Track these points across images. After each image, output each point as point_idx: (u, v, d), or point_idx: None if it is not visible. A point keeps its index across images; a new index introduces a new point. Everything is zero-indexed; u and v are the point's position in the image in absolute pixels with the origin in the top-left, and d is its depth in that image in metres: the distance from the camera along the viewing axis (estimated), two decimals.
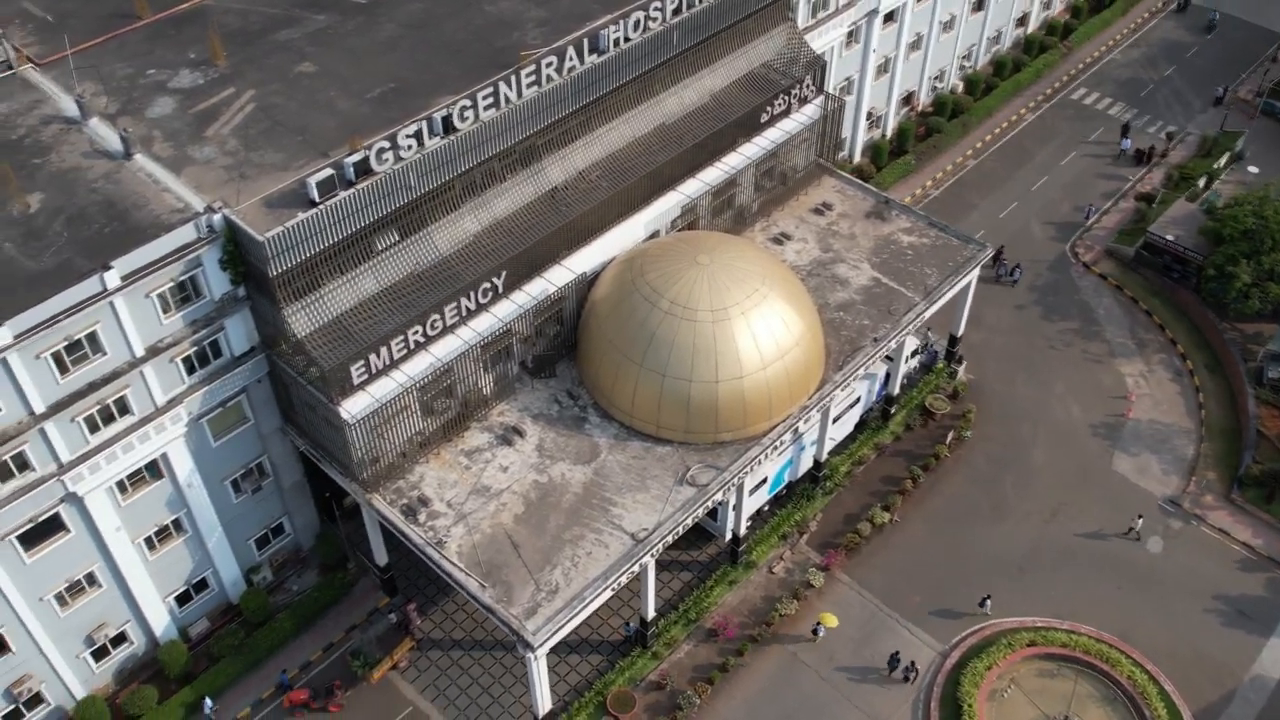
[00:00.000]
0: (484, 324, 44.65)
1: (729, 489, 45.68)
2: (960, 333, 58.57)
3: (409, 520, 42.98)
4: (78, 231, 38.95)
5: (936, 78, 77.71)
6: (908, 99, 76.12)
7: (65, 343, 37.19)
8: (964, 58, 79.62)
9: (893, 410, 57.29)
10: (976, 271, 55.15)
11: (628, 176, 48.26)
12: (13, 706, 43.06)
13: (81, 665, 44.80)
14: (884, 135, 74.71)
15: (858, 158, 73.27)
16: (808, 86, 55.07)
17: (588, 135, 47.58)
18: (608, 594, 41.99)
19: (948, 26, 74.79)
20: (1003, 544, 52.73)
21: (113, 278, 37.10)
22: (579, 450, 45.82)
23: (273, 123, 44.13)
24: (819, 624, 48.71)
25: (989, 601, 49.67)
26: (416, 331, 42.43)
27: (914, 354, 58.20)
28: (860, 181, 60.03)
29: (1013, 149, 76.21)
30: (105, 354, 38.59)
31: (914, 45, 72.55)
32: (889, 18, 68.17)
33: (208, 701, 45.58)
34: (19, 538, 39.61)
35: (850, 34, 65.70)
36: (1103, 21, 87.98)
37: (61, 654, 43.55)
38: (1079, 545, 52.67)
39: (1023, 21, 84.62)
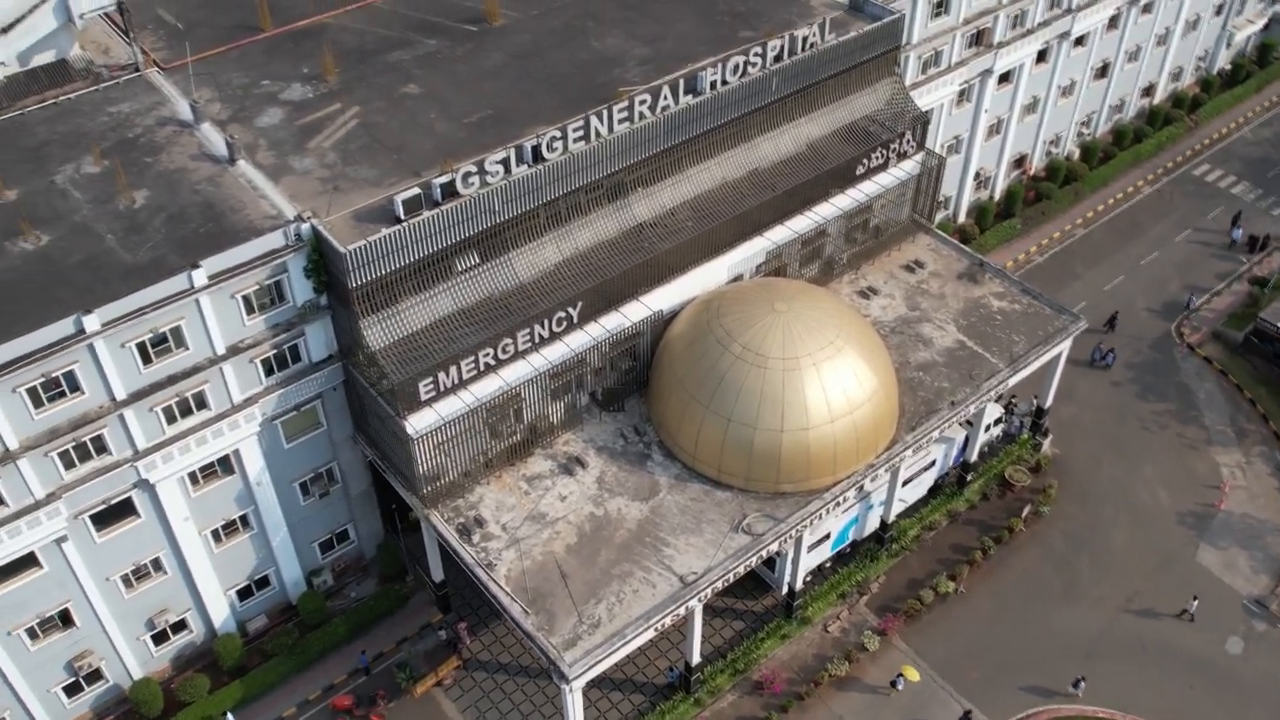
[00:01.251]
0: (556, 353, 45.01)
1: (785, 541, 45.06)
2: (1048, 405, 56.91)
3: (463, 539, 43.41)
4: (175, 230, 40.59)
5: (1052, 142, 76.12)
6: (1019, 162, 74.69)
7: (150, 335, 38.71)
8: (1083, 124, 77.87)
9: (969, 478, 55.87)
10: (1068, 344, 53.58)
11: (715, 218, 48.29)
12: (73, 679, 44.62)
13: (141, 647, 46.23)
14: (991, 197, 73.36)
15: (962, 217, 72.08)
16: (908, 142, 54.47)
17: (678, 174, 47.80)
18: (650, 634, 41.69)
19: (1067, 91, 73.28)
20: (1071, 627, 50.80)
21: (200, 276, 38.54)
22: (638, 487, 45.75)
23: (372, 140, 45.44)
24: (900, 675, 47.74)
25: (1083, 684, 47.79)
26: (487, 354, 43.01)
27: (996, 422, 56.74)
28: (955, 241, 58.99)
29: (1125, 221, 74.04)
30: (188, 349, 40.03)
31: (1029, 108, 71.23)
32: (1004, 79, 67.13)
33: (229, 716, 46.50)
34: (92, 518, 41.20)
35: (962, 92, 64.88)
36: (1234, 98, 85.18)
37: (123, 634, 45.03)
38: (1152, 637, 50.45)
39: (1149, 92, 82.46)
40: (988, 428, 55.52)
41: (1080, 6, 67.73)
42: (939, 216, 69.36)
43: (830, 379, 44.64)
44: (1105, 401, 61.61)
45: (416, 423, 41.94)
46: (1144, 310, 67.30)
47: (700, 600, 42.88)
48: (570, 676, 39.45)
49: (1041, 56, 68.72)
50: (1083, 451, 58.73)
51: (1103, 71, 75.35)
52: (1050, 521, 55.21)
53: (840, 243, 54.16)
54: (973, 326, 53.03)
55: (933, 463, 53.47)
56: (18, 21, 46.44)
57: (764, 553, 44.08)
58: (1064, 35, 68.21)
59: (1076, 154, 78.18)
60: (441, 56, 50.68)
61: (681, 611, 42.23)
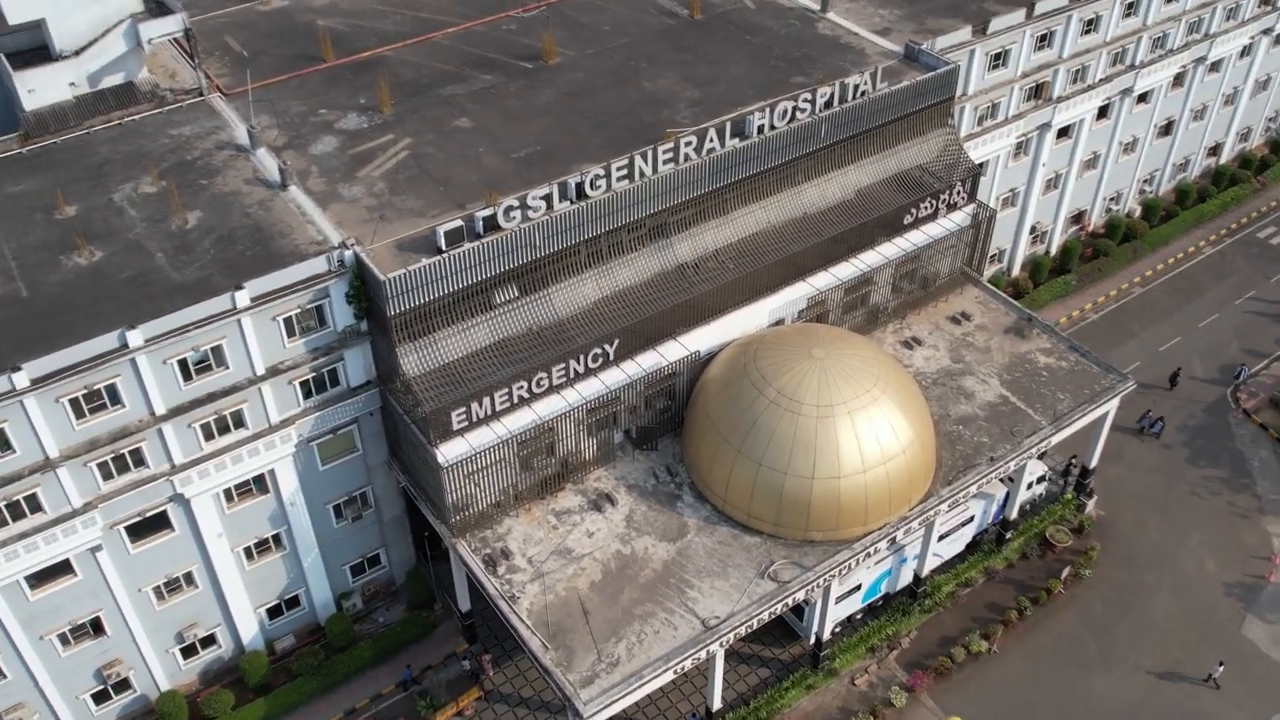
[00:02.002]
0: (591, 389, 45.14)
1: (812, 590, 44.52)
2: (1093, 465, 55.76)
3: (488, 570, 43.51)
4: (223, 251, 41.54)
5: (1112, 199, 75.07)
6: (1077, 217, 73.74)
7: (192, 352, 39.55)
8: (1145, 181, 76.74)
9: (1009, 535, 54.83)
10: (1114, 404, 52.54)
11: (757, 262, 48.29)
12: (101, 687, 45.31)
13: (169, 659, 46.86)
14: (1047, 252, 72.46)
15: (1016, 271, 71.23)
16: (959, 193, 54.09)
17: (722, 216, 47.93)
18: (669, 676, 41.34)
19: (1129, 148, 72.35)
20: (1106, 694, 49.44)
21: (243, 297, 39.34)
22: (667, 527, 45.57)
23: (421, 171, 46.19)
24: None
25: None
26: (521, 387, 43.26)
27: (1039, 480, 55.68)
28: (1004, 295, 58.27)
29: (1184, 282, 72.66)
30: (228, 368, 40.81)
31: (1089, 164, 70.40)
32: (1063, 133, 66.46)
33: None
34: (126, 529, 42.01)
35: (1019, 145, 64.33)
36: None
37: (152, 645, 45.69)
38: (1191, 709, 48.89)
39: (1215, 151, 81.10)
40: (1029, 485, 54.50)
41: (1144, 64, 66.97)
42: (992, 270, 68.66)
43: (865, 428, 44.22)
44: (1154, 464, 60.21)
45: (448, 452, 42.24)
46: (1199, 373, 65.79)
47: (722, 645, 42.47)
48: (585, 714, 39.23)
49: (1103, 112, 67.95)
50: (1128, 514, 57.37)
51: (1167, 129, 74.30)
52: (1090, 585, 53.92)
53: (885, 291, 53.79)
54: (1017, 382, 52.24)
55: (971, 518, 52.57)
56: (90, 44, 48.10)
57: (790, 600, 43.58)
58: (1126, 91, 67.45)
59: (1138, 211, 76.99)
60: (495, 92, 51.47)
61: (702, 655, 41.85)
